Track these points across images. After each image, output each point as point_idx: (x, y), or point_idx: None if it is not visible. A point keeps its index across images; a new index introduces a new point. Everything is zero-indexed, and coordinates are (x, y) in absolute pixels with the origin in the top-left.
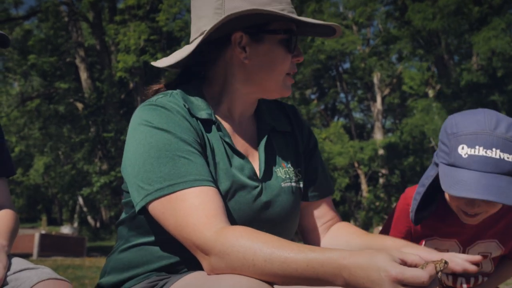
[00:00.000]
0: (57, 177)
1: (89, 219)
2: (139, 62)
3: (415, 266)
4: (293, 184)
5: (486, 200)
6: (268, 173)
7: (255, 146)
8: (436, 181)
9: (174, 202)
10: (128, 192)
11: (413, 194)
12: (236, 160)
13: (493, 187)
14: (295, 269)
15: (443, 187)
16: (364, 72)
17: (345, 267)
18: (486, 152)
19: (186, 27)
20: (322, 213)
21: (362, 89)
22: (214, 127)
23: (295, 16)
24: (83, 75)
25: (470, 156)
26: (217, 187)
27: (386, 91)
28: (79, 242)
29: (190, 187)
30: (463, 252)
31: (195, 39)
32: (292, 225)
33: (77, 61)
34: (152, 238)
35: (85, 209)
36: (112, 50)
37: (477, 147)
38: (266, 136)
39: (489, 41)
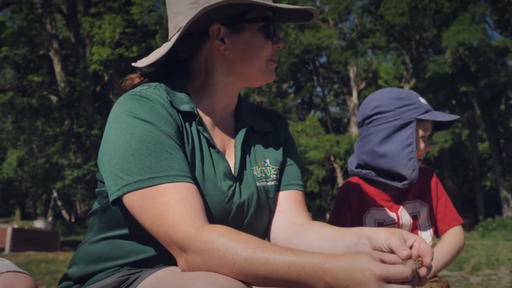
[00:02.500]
0: (30, 170)
1: (64, 213)
2: (114, 55)
3: (394, 263)
4: (269, 183)
5: (455, 119)
6: (243, 171)
7: (232, 144)
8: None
9: (153, 196)
10: (102, 182)
11: (352, 186)
12: (213, 156)
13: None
14: (276, 271)
15: (441, 119)
16: (340, 66)
17: (327, 271)
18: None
19: (161, 20)
20: (282, 206)
21: (338, 83)
22: (194, 121)
23: (270, 3)
24: (57, 67)
25: (425, 103)
26: (196, 184)
27: (362, 85)
28: (52, 236)
29: (171, 182)
30: (397, 215)
31: (173, 36)
32: (264, 225)
33: (51, 53)
34: (122, 232)
35: (59, 203)
36: (87, 43)
37: (420, 98)
38: (243, 134)
39: (457, 34)
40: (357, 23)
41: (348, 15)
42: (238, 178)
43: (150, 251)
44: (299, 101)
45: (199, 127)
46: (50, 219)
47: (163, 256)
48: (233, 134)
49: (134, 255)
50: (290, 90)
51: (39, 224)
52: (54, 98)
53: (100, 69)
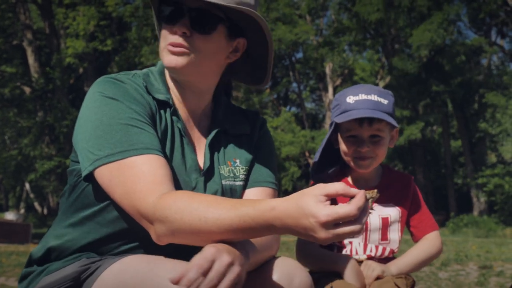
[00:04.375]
0: (2, 162)
1: (36, 205)
2: (89, 48)
3: (341, 195)
4: (237, 183)
5: (370, 117)
6: (210, 168)
7: (204, 142)
8: (332, 150)
9: (123, 169)
10: (75, 162)
11: (322, 180)
12: (184, 147)
13: (374, 113)
14: (230, 225)
15: (337, 120)
16: (317, 62)
17: (275, 218)
18: (367, 96)
19: (136, 12)
20: None
21: (314, 79)
22: (169, 110)
23: None
24: (31, 58)
25: (355, 100)
26: (166, 158)
27: (338, 82)
28: (23, 228)
29: (140, 154)
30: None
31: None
32: None
33: (25, 44)
34: (86, 213)
35: (31, 195)
36: (61, 34)
37: (360, 94)
38: (213, 134)
39: (424, 33)
40: (334, 19)
41: (325, 11)
42: (204, 174)
43: (111, 234)
44: (275, 96)
45: (174, 117)
46: (22, 211)
47: (122, 238)
48: (206, 134)
49: (94, 236)
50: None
51: (10, 216)
52: (27, 89)
53: (75, 62)
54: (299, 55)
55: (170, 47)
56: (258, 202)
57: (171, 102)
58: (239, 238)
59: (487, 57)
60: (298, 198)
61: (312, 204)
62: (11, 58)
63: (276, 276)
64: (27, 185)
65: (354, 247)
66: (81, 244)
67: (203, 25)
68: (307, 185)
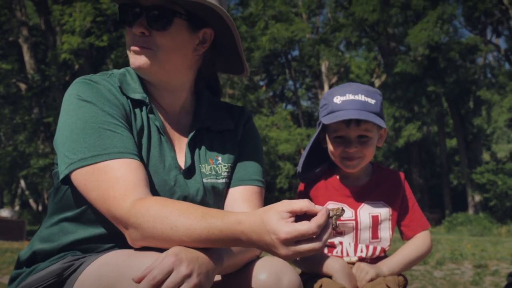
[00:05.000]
0: None
1: (31, 202)
2: (85, 44)
3: (305, 213)
4: (219, 180)
5: (356, 119)
6: (190, 167)
7: (184, 141)
8: (321, 149)
9: (97, 174)
10: (57, 164)
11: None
12: (162, 145)
13: (361, 114)
14: (199, 235)
15: (324, 122)
16: (312, 59)
17: (241, 232)
18: (354, 97)
19: None
20: (232, 202)
21: (310, 77)
22: (145, 109)
23: None
24: (26, 55)
25: (342, 101)
26: (142, 161)
27: (334, 80)
28: (18, 225)
29: (113, 159)
30: (355, 213)
31: None
32: None
33: (20, 40)
34: (69, 214)
35: (27, 192)
36: (57, 31)
37: (347, 94)
38: (193, 132)
39: (421, 32)
40: (330, 17)
41: (321, 9)
42: (185, 172)
43: (93, 233)
44: (271, 94)
45: (150, 115)
46: (17, 208)
47: (105, 239)
48: (187, 132)
49: (78, 236)
50: (262, 83)
51: (4, 213)
52: (23, 86)
53: (70, 58)
54: (295, 53)
55: (133, 48)
56: (227, 215)
57: (147, 101)
58: (209, 246)
59: (483, 55)
60: (262, 214)
61: (274, 220)
62: (6, 55)
63: (264, 275)
64: (22, 182)
65: (345, 247)
66: (65, 244)
67: (159, 22)
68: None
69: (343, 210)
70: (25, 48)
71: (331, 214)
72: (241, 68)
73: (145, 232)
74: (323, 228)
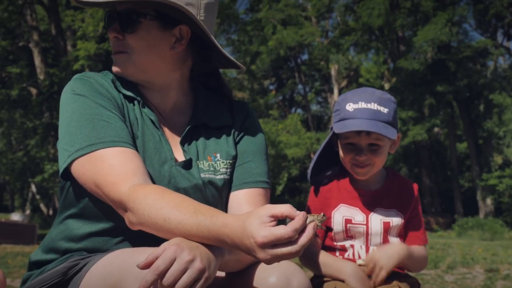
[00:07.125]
0: (9, 163)
1: (42, 206)
2: (101, 49)
3: (286, 217)
4: (218, 176)
5: (366, 130)
6: (187, 162)
7: (178, 139)
8: (332, 152)
9: (93, 162)
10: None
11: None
12: (156, 137)
13: (371, 125)
14: (188, 231)
15: (335, 130)
16: (322, 63)
17: (226, 235)
18: (366, 105)
19: None
20: (238, 205)
21: (319, 81)
22: (138, 104)
23: None
24: (37, 59)
25: (354, 109)
26: (136, 150)
27: (344, 83)
28: (29, 229)
29: (108, 147)
30: (366, 218)
31: None
32: None
33: (31, 45)
34: (74, 211)
35: (37, 196)
36: (68, 35)
37: (359, 102)
38: (186, 131)
39: (428, 33)
40: (339, 21)
41: (331, 13)
42: (181, 166)
43: (98, 227)
44: (280, 98)
45: (144, 109)
46: (28, 212)
47: (112, 231)
48: (182, 130)
49: (83, 231)
50: (271, 87)
51: (16, 217)
52: (33, 91)
53: (89, 65)
54: (305, 57)
55: (113, 53)
56: (216, 216)
57: (138, 98)
58: (199, 242)
59: (493, 59)
60: (245, 218)
61: (254, 225)
62: (17, 59)
63: (273, 278)
64: (33, 186)
65: (356, 250)
66: (72, 241)
67: (128, 24)
68: (307, 185)
69: (324, 215)
70: (35, 52)
71: (311, 219)
72: (235, 63)
73: (140, 218)
74: (300, 232)
